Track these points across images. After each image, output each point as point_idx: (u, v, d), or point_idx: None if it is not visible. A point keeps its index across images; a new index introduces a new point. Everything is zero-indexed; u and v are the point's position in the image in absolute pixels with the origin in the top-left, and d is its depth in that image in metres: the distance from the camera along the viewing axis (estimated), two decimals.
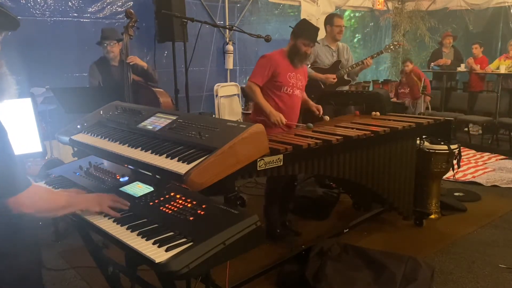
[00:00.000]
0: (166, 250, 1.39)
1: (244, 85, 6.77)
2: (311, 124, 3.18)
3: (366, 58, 4.46)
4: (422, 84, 7.72)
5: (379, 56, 4.84)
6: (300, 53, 3.36)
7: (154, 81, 4.12)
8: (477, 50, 7.67)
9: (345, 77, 4.53)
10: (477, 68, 7.47)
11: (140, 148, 2.07)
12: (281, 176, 3.25)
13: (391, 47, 4.72)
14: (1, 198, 1.38)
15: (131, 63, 3.86)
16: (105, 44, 3.88)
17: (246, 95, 6.46)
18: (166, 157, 1.93)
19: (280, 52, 3.43)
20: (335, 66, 4.50)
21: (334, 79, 4.38)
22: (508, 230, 3.73)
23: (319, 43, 3.81)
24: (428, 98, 7.00)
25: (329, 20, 4.56)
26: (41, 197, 1.49)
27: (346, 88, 4.60)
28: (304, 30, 3.36)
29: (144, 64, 3.99)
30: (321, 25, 7.63)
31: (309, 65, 4.66)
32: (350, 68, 4.47)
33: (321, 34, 4.80)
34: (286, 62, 3.37)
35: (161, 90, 3.99)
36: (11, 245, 1.46)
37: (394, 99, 7.59)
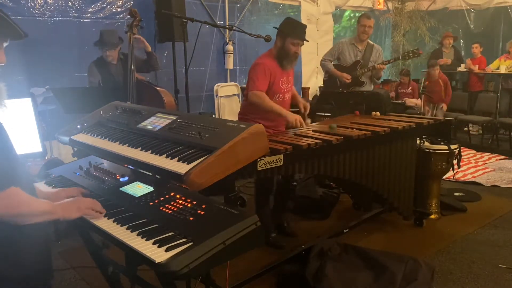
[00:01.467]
0: (166, 250, 1.39)
1: (244, 85, 6.77)
2: (334, 125, 3.03)
3: (377, 64, 4.49)
4: (422, 84, 7.72)
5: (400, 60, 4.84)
6: (289, 55, 3.17)
7: (156, 66, 4.16)
8: (477, 49, 7.68)
9: (361, 78, 4.54)
10: (475, 68, 7.48)
11: (140, 148, 2.08)
12: (271, 179, 3.26)
13: (410, 54, 4.67)
14: None
15: (137, 46, 3.93)
16: (104, 49, 3.90)
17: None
18: (166, 157, 1.93)
19: (270, 55, 3.25)
20: (354, 66, 4.53)
21: (348, 79, 4.41)
22: (508, 230, 3.73)
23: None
24: (444, 107, 6.97)
25: (358, 19, 4.68)
26: (17, 202, 1.41)
27: (363, 89, 4.56)
28: (292, 28, 3.15)
29: (148, 46, 4.06)
30: (321, 25, 7.63)
31: (332, 62, 4.68)
32: (365, 70, 4.49)
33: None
34: (277, 67, 3.21)
35: (164, 89, 4.01)
36: (13, 244, 1.45)
37: (393, 94, 7.60)
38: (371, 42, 4.66)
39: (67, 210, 1.59)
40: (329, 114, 4.58)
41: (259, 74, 3.13)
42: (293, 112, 3.21)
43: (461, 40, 8.84)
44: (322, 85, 5.24)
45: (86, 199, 1.71)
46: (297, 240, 3.49)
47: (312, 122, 3.60)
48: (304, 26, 3.23)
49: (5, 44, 1.51)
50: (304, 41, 3.24)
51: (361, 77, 4.52)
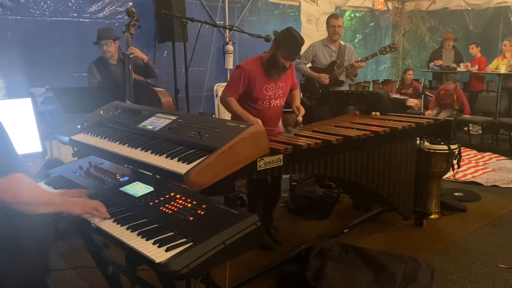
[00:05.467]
0: (166, 250, 1.39)
1: None
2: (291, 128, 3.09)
3: (356, 61, 4.50)
4: (422, 84, 7.75)
5: (378, 56, 4.86)
6: (278, 66, 3.08)
7: (154, 75, 4.13)
8: (473, 50, 7.70)
9: (340, 77, 4.57)
10: (473, 69, 7.48)
11: (140, 148, 2.08)
12: (264, 181, 3.22)
13: (387, 49, 4.71)
14: None
15: (131, 55, 3.85)
16: (101, 44, 3.88)
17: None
18: (166, 157, 1.93)
19: (257, 60, 3.17)
20: (331, 66, 4.56)
21: (326, 79, 4.45)
22: (508, 230, 3.73)
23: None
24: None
25: (327, 20, 4.68)
26: (22, 188, 1.39)
27: (342, 88, 4.61)
28: (288, 43, 3.04)
29: (144, 56, 4.00)
30: (321, 25, 7.64)
31: (308, 64, 4.71)
32: (344, 70, 4.52)
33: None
34: (262, 73, 3.12)
35: (163, 89, 4.00)
36: (12, 242, 1.43)
37: (397, 95, 7.61)
38: (343, 42, 4.69)
39: (71, 205, 1.61)
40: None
41: (233, 80, 3.13)
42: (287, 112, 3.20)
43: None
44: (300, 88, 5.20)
45: (91, 200, 1.72)
46: (296, 240, 3.48)
47: (311, 123, 3.59)
48: (301, 43, 3.10)
49: None
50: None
51: (339, 76, 4.56)
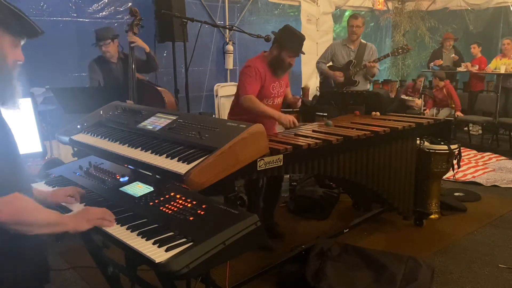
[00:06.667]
0: (166, 250, 1.39)
1: None
2: (330, 122, 3.16)
3: (368, 62, 4.50)
4: (422, 84, 7.76)
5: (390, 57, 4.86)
6: (284, 65, 3.17)
7: (156, 66, 4.13)
8: (475, 50, 7.70)
9: (354, 77, 4.58)
10: (473, 69, 7.49)
11: (140, 148, 2.08)
12: (259, 181, 3.23)
13: (400, 50, 4.71)
14: None
15: (132, 45, 3.86)
16: (100, 45, 3.88)
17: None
18: (166, 157, 1.93)
19: (261, 60, 3.23)
20: (347, 65, 4.58)
21: (341, 77, 4.47)
22: (508, 230, 3.73)
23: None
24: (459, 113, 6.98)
25: (347, 20, 4.71)
26: (21, 209, 1.35)
27: (356, 88, 4.60)
28: (290, 42, 3.12)
29: (145, 45, 4.00)
30: (321, 25, 7.65)
31: (327, 64, 4.74)
32: (358, 69, 4.53)
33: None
34: (268, 72, 3.19)
35: (165, 89, 4.00)
36: (9, 246, 1.40)
37: (404, 96, 7.63)
38: (364, 42, 4.69)
39: (77, 221, 1.53)
40: (326, 114, 4.65)
41: (249, 77, 3.13)
42: (285, 112, 3.24)
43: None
44: (318, 87, 5.30)
45: (96, 208, 1.64)
46: (296, 240, 3.48)
47: (312, 122, 3.59)
48: (302, 39, 3.16)
49: (22, 42, 1.52)
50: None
51: (353, 76, 4.56)
